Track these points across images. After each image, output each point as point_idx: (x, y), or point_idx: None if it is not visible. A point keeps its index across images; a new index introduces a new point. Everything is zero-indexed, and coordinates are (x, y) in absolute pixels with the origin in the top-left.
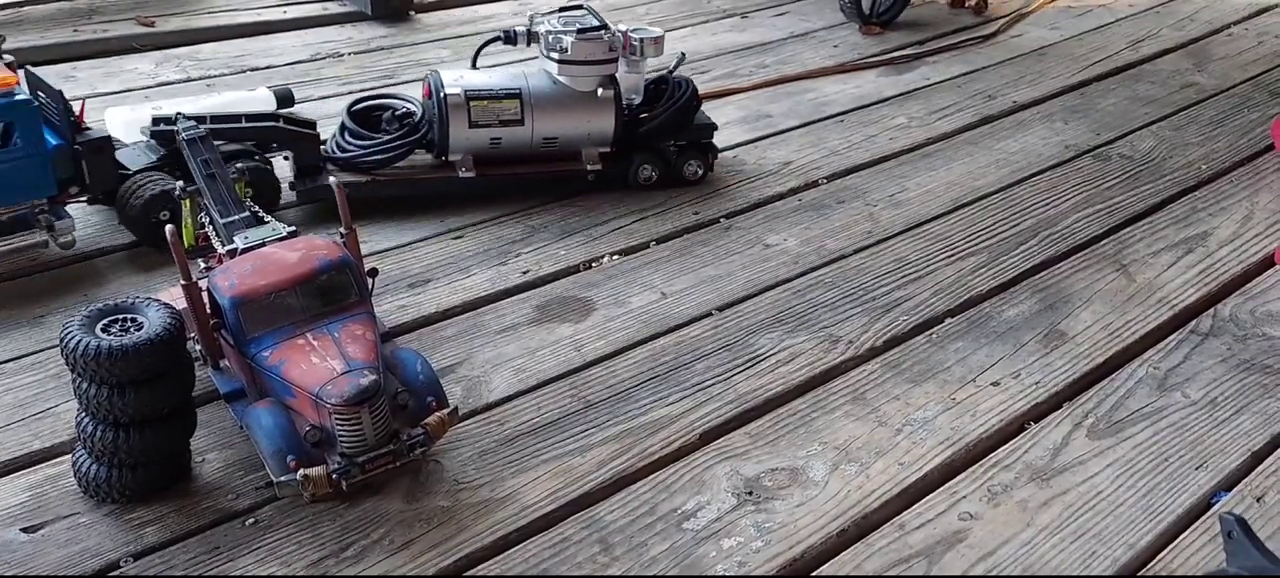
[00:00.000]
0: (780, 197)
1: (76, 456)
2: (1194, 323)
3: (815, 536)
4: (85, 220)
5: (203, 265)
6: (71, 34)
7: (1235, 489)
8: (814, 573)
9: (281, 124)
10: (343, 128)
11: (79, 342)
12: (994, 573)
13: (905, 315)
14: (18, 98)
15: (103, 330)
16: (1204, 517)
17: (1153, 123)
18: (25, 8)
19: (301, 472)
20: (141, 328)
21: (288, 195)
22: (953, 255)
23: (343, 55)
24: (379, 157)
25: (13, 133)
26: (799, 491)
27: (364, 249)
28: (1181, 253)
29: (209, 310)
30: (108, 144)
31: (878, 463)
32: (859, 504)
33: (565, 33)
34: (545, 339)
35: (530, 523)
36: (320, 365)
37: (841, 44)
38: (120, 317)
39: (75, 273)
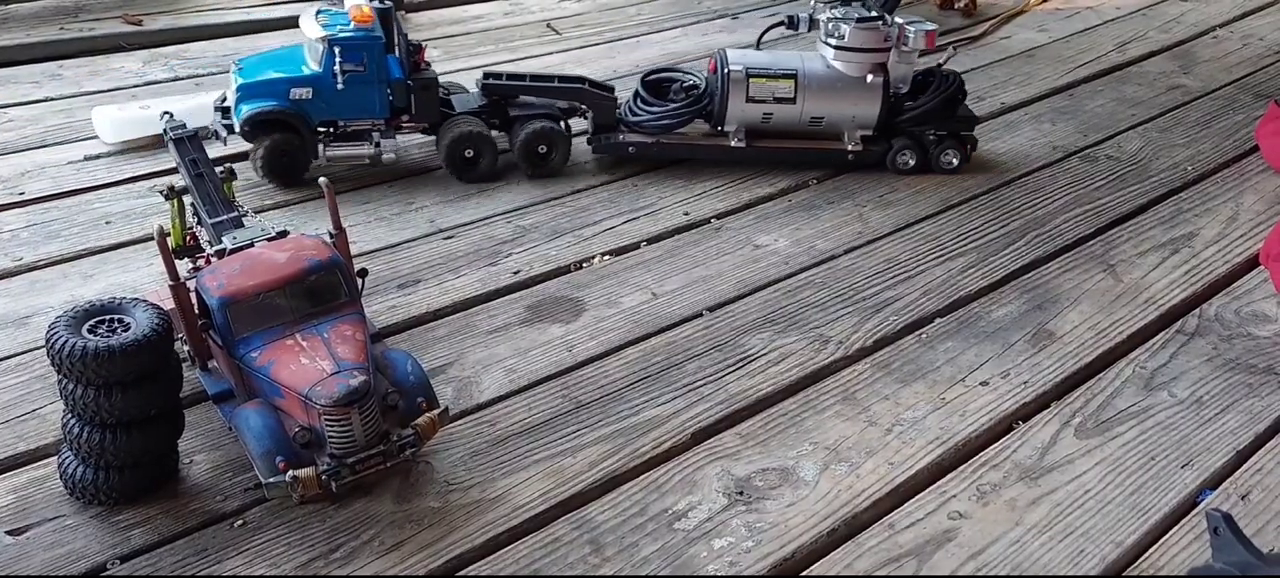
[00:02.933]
0: (770, 197)
1: (62, 457)
2: (1180, 323)
3: (806, 535)
4: (416, 143)
5: (191, 265)
6: (58, 32)
7: (1221, 487)
8: (805, 573)
9: (586, 87)
10: (636, 95)
11: (65, 342)
12: (983, 572)
13: (895, 316)
14: (373, 33)
15: (89, 331)
16: (1191, 515)
17: (1140, 124)
18: (11, 5)
19: (290, 473)
20: (129, 329)
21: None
22: (942, 256)
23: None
24: (665, 122)
25: (365, 62)
26: (789, 490)
27: (354, 249)
28: (1168, 253)
29: (197, 311)
30: (434, 83)
31: (868, 463)
32: (849, 504)
33: (844, 21)
34: (536, 340)
35: (521, 524)
36: (310, 366)
37: None
38: (107, 317)
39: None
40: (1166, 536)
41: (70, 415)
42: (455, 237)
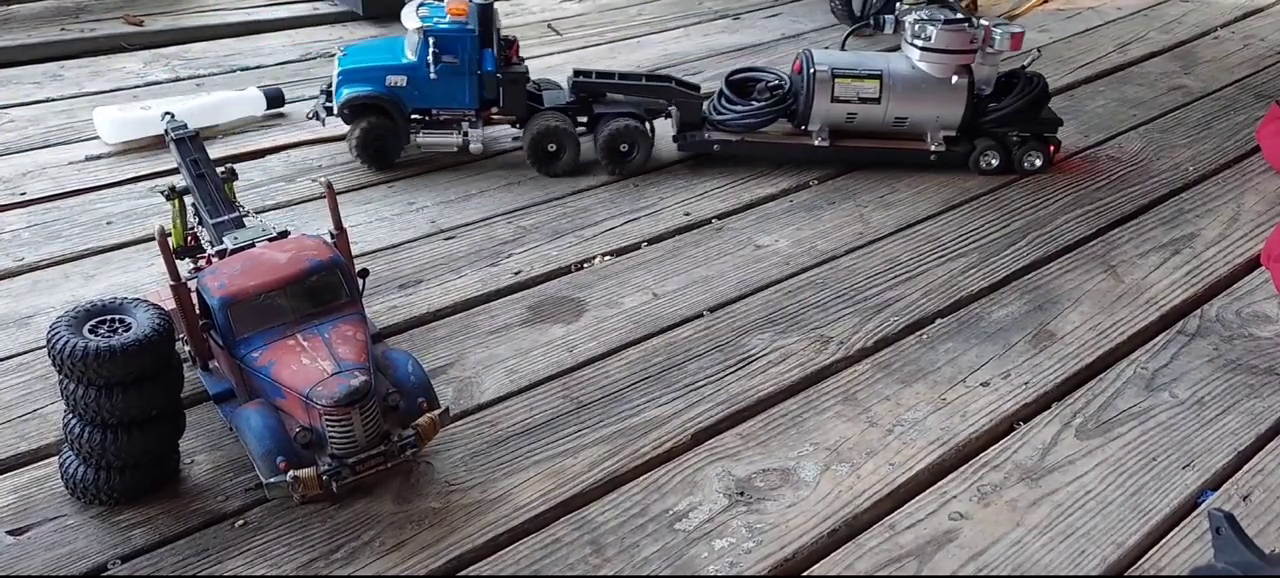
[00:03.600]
0: (772, 198)
1: (64, 457)
2: (1181, 323)
3: (806, 536)
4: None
5: (192, 265)
6: (59, 33)
7: (1222, 488)
8: (805, 573)
9: (673, 85)
10: (720, 94)
11: (66, 343)
12: (984, 573)
13: (896, 316)
14: (467, 27)
15: (91, 331)
16: (1192, 516)
17: (1140, 125)
18: (12, 5)
19: (291, 473)
20: (130, 329)
21: (657, 155)
22: (943, 256)
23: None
24: (749, 121)
25: (458, 54)
26: (790, 491)
27: (355, 249)
28: (1169, 254)
29: (198, 311)
30: (523, 78)
31: (868, 463)
32: (850, 505)
33: (930, 22)
34: (537, 340)
35: (522, 524)
36: (311, 366)
37: (832, 46)
38: (108, 317)
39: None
40: (1167, 536)
41: (71, 415)
42: (456, 237)
